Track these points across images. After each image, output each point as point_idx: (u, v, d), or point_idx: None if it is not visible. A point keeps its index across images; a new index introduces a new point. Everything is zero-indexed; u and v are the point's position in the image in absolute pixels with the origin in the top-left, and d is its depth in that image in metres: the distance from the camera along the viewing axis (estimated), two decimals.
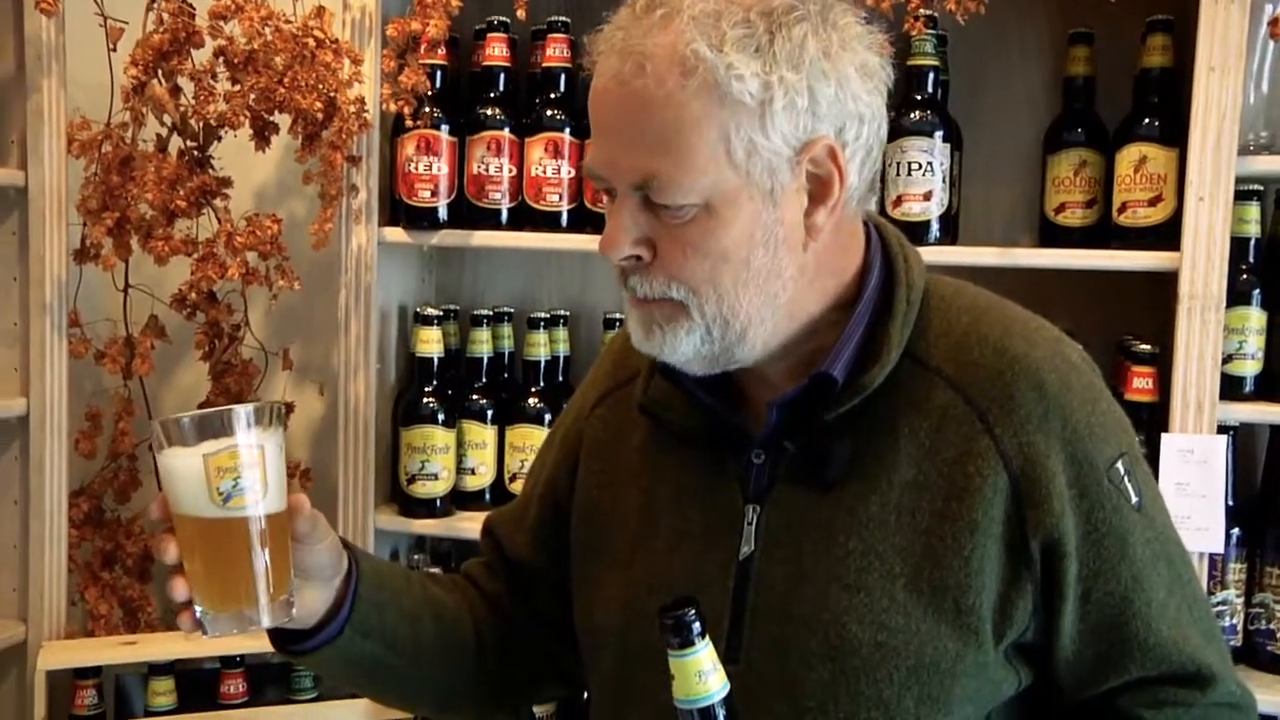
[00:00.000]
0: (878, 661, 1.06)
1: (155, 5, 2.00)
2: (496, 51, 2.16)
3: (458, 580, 1.37)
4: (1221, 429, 1.85)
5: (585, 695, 1.31)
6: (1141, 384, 1.90)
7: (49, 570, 2.11)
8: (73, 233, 2.11)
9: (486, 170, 2.15)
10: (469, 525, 2.15)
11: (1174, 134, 1.88)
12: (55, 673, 2.01)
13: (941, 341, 1.11)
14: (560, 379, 2.23)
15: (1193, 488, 1.82)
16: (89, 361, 2.17)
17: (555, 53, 2.13)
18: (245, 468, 1.03)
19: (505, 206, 2.16)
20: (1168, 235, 1.88)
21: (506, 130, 2.14)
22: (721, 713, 1.00)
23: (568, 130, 2.12)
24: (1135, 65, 1.97)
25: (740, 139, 1.00)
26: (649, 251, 1.05)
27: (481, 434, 2.21)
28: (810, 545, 1.09)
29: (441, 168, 2.15)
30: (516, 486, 2.16)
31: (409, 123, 2.09)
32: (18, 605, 2.12)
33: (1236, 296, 1.86)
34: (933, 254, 1.82)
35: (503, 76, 2.17)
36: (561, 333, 2.24)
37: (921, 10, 1.91)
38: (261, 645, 1.21)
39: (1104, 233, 1.97)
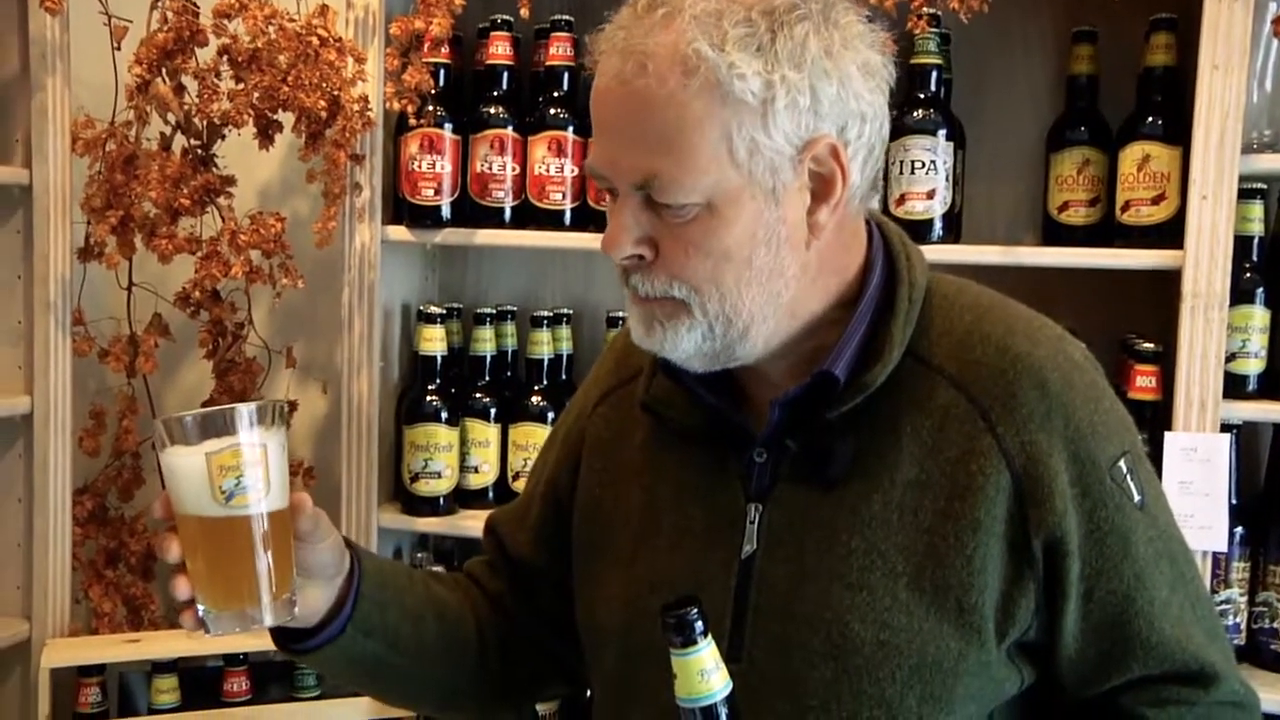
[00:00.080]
0: (880, 660, 1.06)
1: (159, 4, 2.00)
2: (500, 50, 2.16)
3: (460, 579, 1.37)
4: (1225, 427, 1.84)
5: (588, 694, 1.32)
6: (1145, 382, 1.90)
7: (53, 568, 2.11)
8: (77, 231, 2.11)
9: (490, 169, 2.15)
10: (472, 523, 2.16)
11: (1177, 132, 1.88)
12: (59, 670, 2.01)
13: (944, 340, 1.11)
14: (563, 377, 2.23)
15: (1196, 486, 1.82)
16: (93, 360, 2.17)
17: (558, 51, 2.13)
18: (248, 466, 1.03)
19: (508, 205, 2.16)
20: (1171, 234, 1.87)
21: (510, 129, 2.15)
22: (724, 711, 1.00)
23: (571, 129, 2.12)
24: (1138, 64, 1.97)
25: (742, 138, 1.00)
26: (651, 251, 1.06)
27: (484, 432, 2.21)
28: (812, 544, 1.09)
29: (445, 166, 2.15)
30: (519, 485, 2.16)
31: (412, 121, 2.09)
32: (22, 603, 2.13)
33: (1240, 295, 1.86)
34: (936, 252, 1.82)
35: (506, 75, 2.17)
36: (564, 331, 2.24)
37: (925, 9, 1.91)
38: (265, 644, 1.21)
39: (1107, 231, 1.96)
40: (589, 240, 2.08)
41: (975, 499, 1.05)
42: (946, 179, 1.97)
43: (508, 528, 1.36)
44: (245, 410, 1.04)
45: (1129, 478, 1.08)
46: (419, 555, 2.27)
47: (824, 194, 1.06)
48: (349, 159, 2.02)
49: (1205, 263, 1.81)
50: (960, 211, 2.02)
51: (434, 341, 2.17)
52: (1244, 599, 1.91)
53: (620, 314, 2.17)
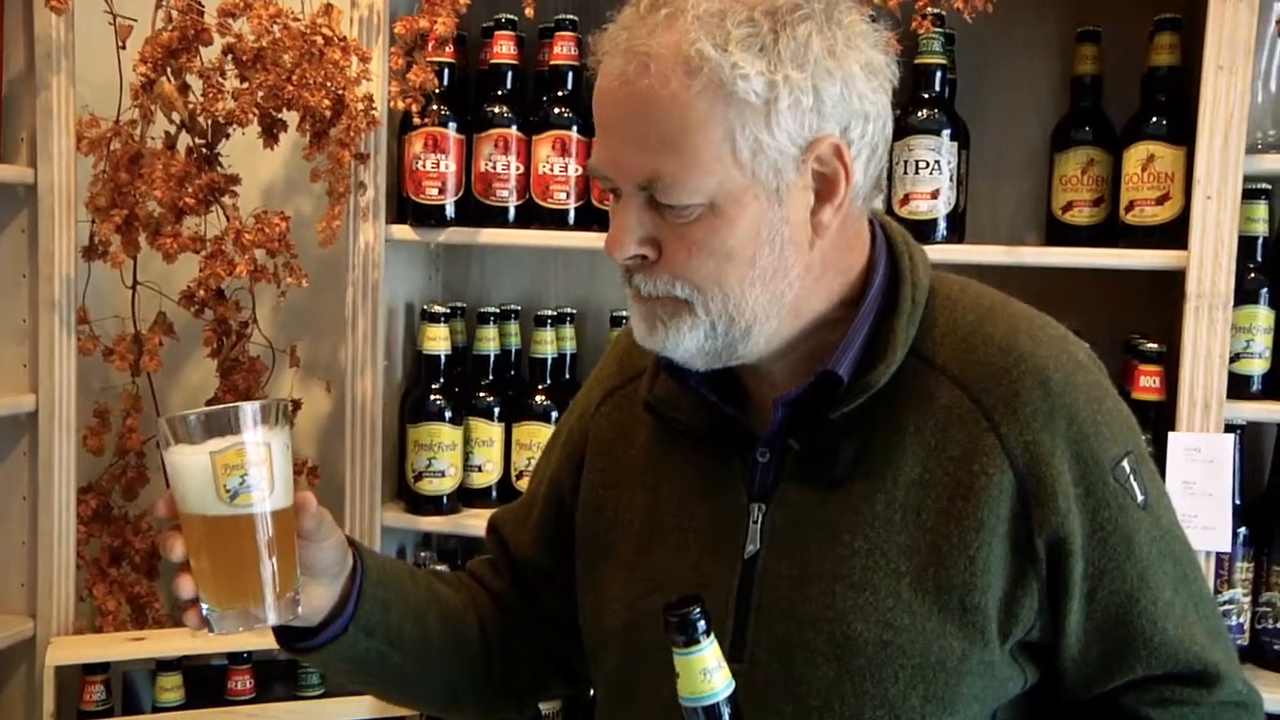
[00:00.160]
0: (883, 660, 1.06)
1: (164, 3, 2.00)
2: (504, 49, 2.17)
3: (463, 578, 1.37)
4: (1229, 428, 1.84)
5: (590, 693, 1.32)
6: (1148, 383, 1.90)
7: (57, 566, 2.11)
8: (81, 230, 2.11)
9: (494, 168, 2.15)
10: (475, 522, 2.16)
11: (1181, 133, 1.88)
12: (64, 668, 2.01)
13: (947, 340, 1.11)
14: (567, 376, 2.23)
15: (1200, 486, 1.82)
16: (97, 358, 2.17)
17: (563, 50, 2.13)
18: (252, 465, 1.03)
19: (512, 204, 2.16)
20: (1175, 234, 1.87)
21: (514, 128, 2.15)
22: (726, 711, 1.00)
23: (575, 128, 2.12)
24: (1143, 64, 1.97)
25: (745, 138, 1.00)
26: (654, 251, 1.06)
27: (488, 431, 2.21)
28: (815, 544, 1.09)
29: (449, 165, 2.15)
30: (523, 484, 2.15)
31: (416, 120, 2.10)
32: (27, 601, 2.13)
33: (1244, 295, 1.86)
34: (940, 252, 1.83)
35: (510, 74, 2.17)
36: (568, 330, 2.24)
37: (929, 9, 1.91)
38: (268, 642, 1.21)
39: (1111, 231, 1.96)
40: (593, 239, 2.08)
41: (978, 499, 1.05)
42: (950, 179, 1.97)
43: (510, 527, 1.36)
44: (249, 409, 1.04)
45: (1132, 478, 1.08)
46: (422, 554, 2.27)
47: (827, 194, 1.06)
48: (353, 158, 2.02)
49: (1209, 263, 1.81)
50: (964, 211, 2.02)
51: (438, 340, 2.18)
52: (1247, 599, 1.91)
53: (624, 313, 2.17)
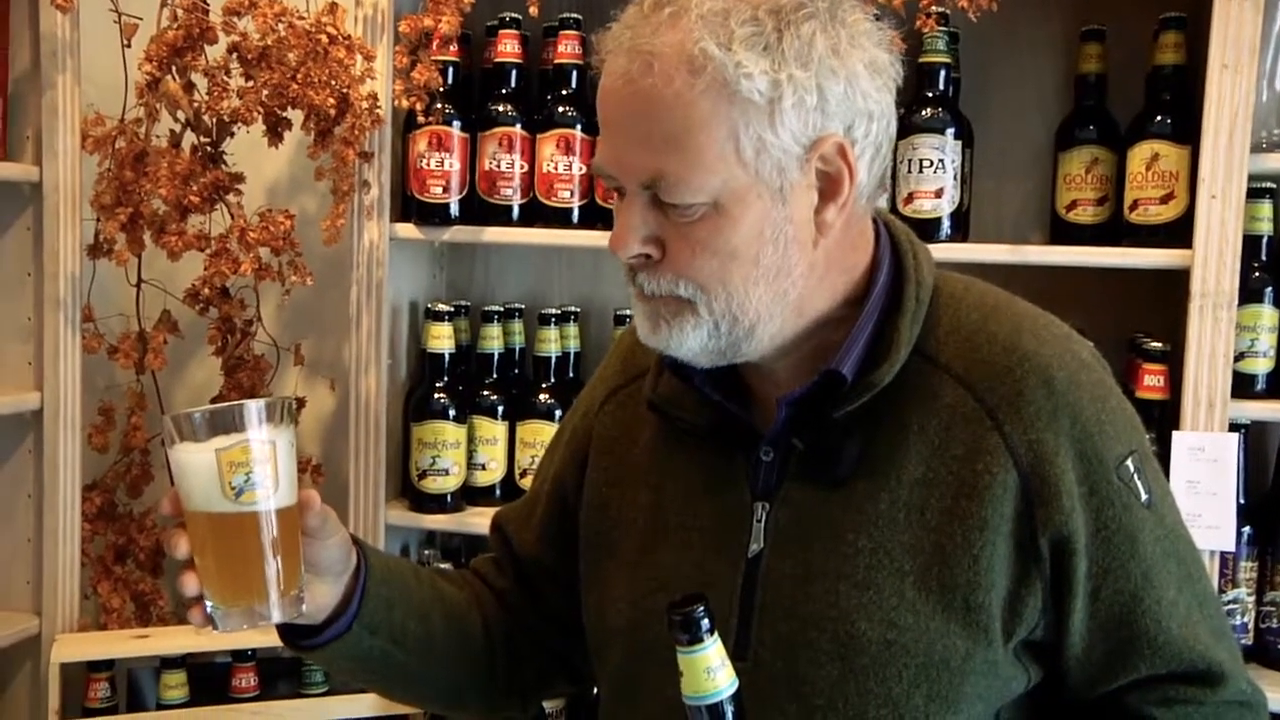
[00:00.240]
0: (887, 660, 1.06)
1: (169, 2, 2.01)
2: (508, 48, 2.17)
3: (466, 576, 1.37)
4: (1233, 427, 1.84)
5: (594, 691, 1.32)
6: (1153, 381, 1.89)
7: (62, 564, 2.12)
8: (86, 228, 2.12)
9: (498, 166, 2.15)
10: (479, 521, 2.16)
11: (1186, 131, 1.88)
12: (69, 665, 2.02)
13: (951, 339, 1.11)
14: (571, 375, 2.23)
15: (1204, 486, 1.82)
16: (102, 356, 2.18)
17: (567, 49, 2.13)
18: (257, 463, 1.03)
19: (516, 203, 2.16)
20: (1179, 233, 1.87)
21: (518, 127, 2.15)
22: (730, 710, 1.00)
23: (579, 127, 2.12)
24: (1147, 63, 1.97)
25: (749, 137, 1.00)
26: (658, 250, 1.06)
27: (492, 430, 2.21)
28: (819, 543, 1.09)
29: (453, 164, 2.15)
30: (527, 482, 2.16)
31: (421, 119, 2.10)
32: (32, 598, 2.13)
33: (1248, 294, 1.86)
34: (944, 251, 1.83)
35: (514, 73, 2.18)
36: (572, 329, 2.24)
37: (933, 7, 1.91)
38: (272, 640, 1.21)
39: (1115, 230, 1.96)
40: (597, 238, 2.08)
41: (982, 498, 1.05)
42: (954, 178, 1.97)
43: (514, 525, 1.36)
44: (254, 407, 1.04)
45: (1136, 477, 1.08)
46: (426, 552, 2.27)
47: (831, 193, 1.06)
48: (357, 157, 2.02)
49: (1214, 262, 1.81)
50: (968, 210, 2.02)
51: (442, 339, 2.18)
52: (1251, 599, 1.91)
53: (628, 312, 2.17)
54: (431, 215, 2.16)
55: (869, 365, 1.09)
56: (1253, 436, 1.94)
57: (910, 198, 1.97)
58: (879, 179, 1.10)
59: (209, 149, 2.06)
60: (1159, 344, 1.91)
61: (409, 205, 2.18)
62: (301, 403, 2.30)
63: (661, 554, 1.17)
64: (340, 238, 2.04)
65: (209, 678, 2.09)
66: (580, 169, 2.13)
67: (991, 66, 2.13)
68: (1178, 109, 1.91)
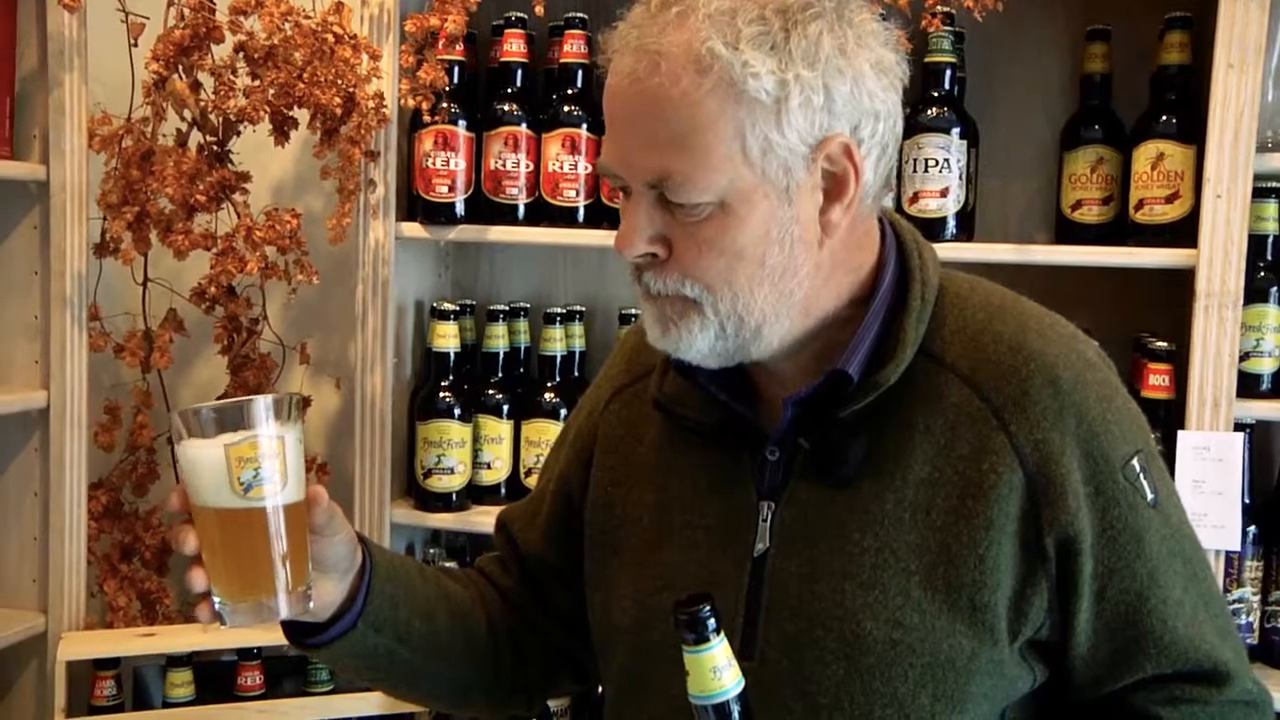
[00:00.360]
0: (892, 659, 1.06)
1: (176, 1, 2.01)
2: (514, 47, 2.17)
3: (471, 575, 1.37)
4: (1238, 426, 1.84)
5: (599, 690, 1.32)
6: (1158, 381, 1.89)
7: (68, 562, 2.12)
8: (93, 227, 2.12)
9: (503, 166, 2.15)
10: (484, 519, 2.16)
11: (1191, 131, 1.88)
12: (75, 663, 2.02)
13: (956, 338, 1.11)
14: (576, 374, 2.24)
15: (1209, 485, 1.82)
16: (108, 355, 2.18)
17: (572, 49, 2.14)
18: (265, 458, 1.03)
19: (522, 202, 2.16)
20: (1185, 232, 1.87)
21: (524, 126, 2.15)
22: (736, 709, 1.00)
23: (585, 126, 2.13)
24: (1153, 62, 1.97)
25: (756, 137, 1.00)
26: (664, 249, 1.06)
27: (497, 428, 2.21)
28: (825, 542, 1.09)
29: (459, 163, 2.15)
30: (532, 481, 2.16)
31: (427, 118, 2.10)
32: (38, 596, 2.14)
33: (1254, 294, 1.85)
34: (949, 251, 1.82)
35: (520, 72, 2.18)
36: (577, 328, 2.25)
37: (939, 7, 1.91)
38: (278, 638, 1.21)
39: (1120, 230, 1.96)
40: (602, 237, 2.08)
41: (988, 497, 1.05)
42: (960, 177, 1.97)
43: (519, 524, 1.36)
44: (262, 402, 1.04)
45: (1142, 476, 1.08)
46: (431, 551, 2.27)
47: (837, 193, 1.06)
48: (363, 156, 2.03)
49: (1219, 261, 1.81)
50: (973, 210, 2.02)
51: (447, 338, 2.18)
52: (1257, 598, 1.91)
53: (633, 311, 2.17)
54: (437, 214, 2.17)
55: (875, 365, 1.09)
56: (1258, 436, 1.94)
57: (915, 197, 1.97)
58: (885, 179, 1.10)
59: (215, 148, 2.06)
60: (1164, 343, 1.91)
61: (415, 204, 2.18)
62: (307, 401, 2.30)
63: (667, 553, 1.17)
64: (346, 237, 2.04)
65: (215, 676, 2.09)
66: (586, 168, 2.13)
67: (997, 66, 2.13)
68: (1183, 109, 1.91)
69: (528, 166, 2.15)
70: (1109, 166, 1.97)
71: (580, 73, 2.14)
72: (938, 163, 1.95)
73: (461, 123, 2.15)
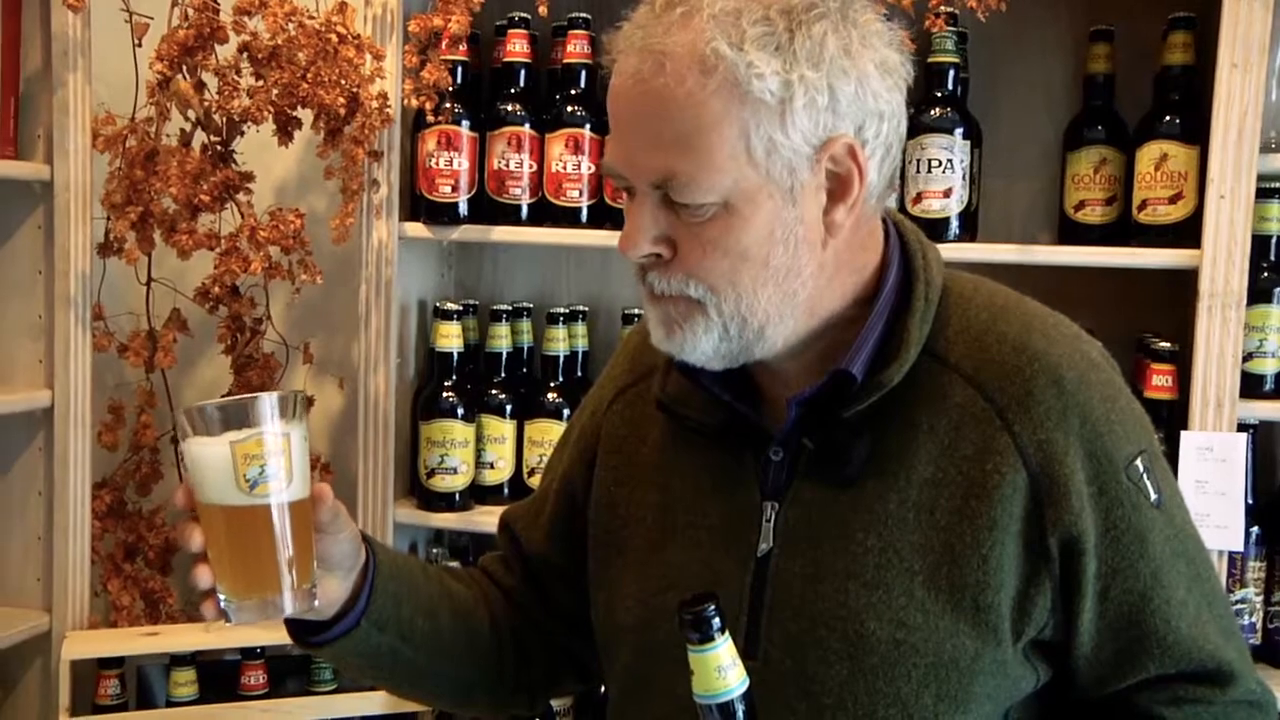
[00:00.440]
0: (896, 659, 1.06)
1: (180, 1, 2.01)
2: (517, 47, 2.17)
3: (474, 574, 1.38)
4: (1241, 427, 1.84)
5: (602, 690, 1.32)
6: (1161, 381, 1.89)
7: (72, 561, 2.12)
8: (97, 227, 2.12)
9: (507, 166, 2.15)
10: (487, 519, 2.16)
11: (1195, 131, 1.88)
12: (79, 662, 2.02)
13: (960, 338, 1.11)
14: (579, 374, 2.24)
15: (1212, 485, 1.82)
16: (112, 354, 2.18)
17: (576, 49, 2.14)
18: (271, 455, 1.04)
19: (525, 202, 2.16)
20: (1188, 233, 1.87)
21: (527, 126, 2.15)
22: (741, 708, 1.00)
23: (588, 126, 2.13)
24: (1156, 62, 1.97)
25: (760, 137, 1.01)
26: (669, 249, 1.06)
27: (500, 428, 2.22)
28: (828, 542, 1.09)
29: (462, 163, 2.16)
30: (534, 481, 2.16)
31: (430, 118, 2.10)
32: (42, 595, 2.14)
33: (1257, 294, 1.86)
34: (952, 251, 1.83)
35: (523, 72, 2.18)
36: (580, 328, 2.25)
37: (942, 7, 1.91)
38: (282, 637, 1.21)
39: (1124, 230, 1.96)
40: (605, 237, 2.08)
41: (991, 498, 1.05)
42: (963, 177, 1.97)
43: (522, 524, 1.36)
44: (268, 400, 1.04)
45: (1145, 476, 1.09)
46: (434, 551, 2.28)
47: (841, 193, 1.06)
48: (367, 156, 2.03)
49: (1222, 262, 1.81)
50: (976, 210, 2.02)
51: (450, 338, 2.18)
52: (1260, 598, 1.91)
53: (636, 311, 2.18)
54: (440, 214, 2.17)
55: (879, 365, 1.09)
56: (1261, 436, 1.94)
57: (919, 198, 1.97)
58: (889, 179, 1.10)
59: (219, 148, 2.06)
60: (1167, 344, 1.91)
61: (418, 204, 2.19)
62: (310, 401, 2.30)
63: (670, 553, 1.18)
64: (349, 237, 2.04)
65: (218, 675, 2.09)
66: (589, 168, 2.13)
67: (1000, 66, 2.13)
68: (1186, 109, 1.91)
69: (531, 167, 2.16)
70: (1112, 167, 1.97)
71: (584, 73, 2.14)
72: (941, 163, 1.96)
73: (465, 123, 2.16)
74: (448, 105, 2.11)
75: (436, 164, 2.15)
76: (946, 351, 1.10)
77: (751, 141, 1.01)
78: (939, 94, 1.98)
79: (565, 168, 2.13)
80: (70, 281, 2.08)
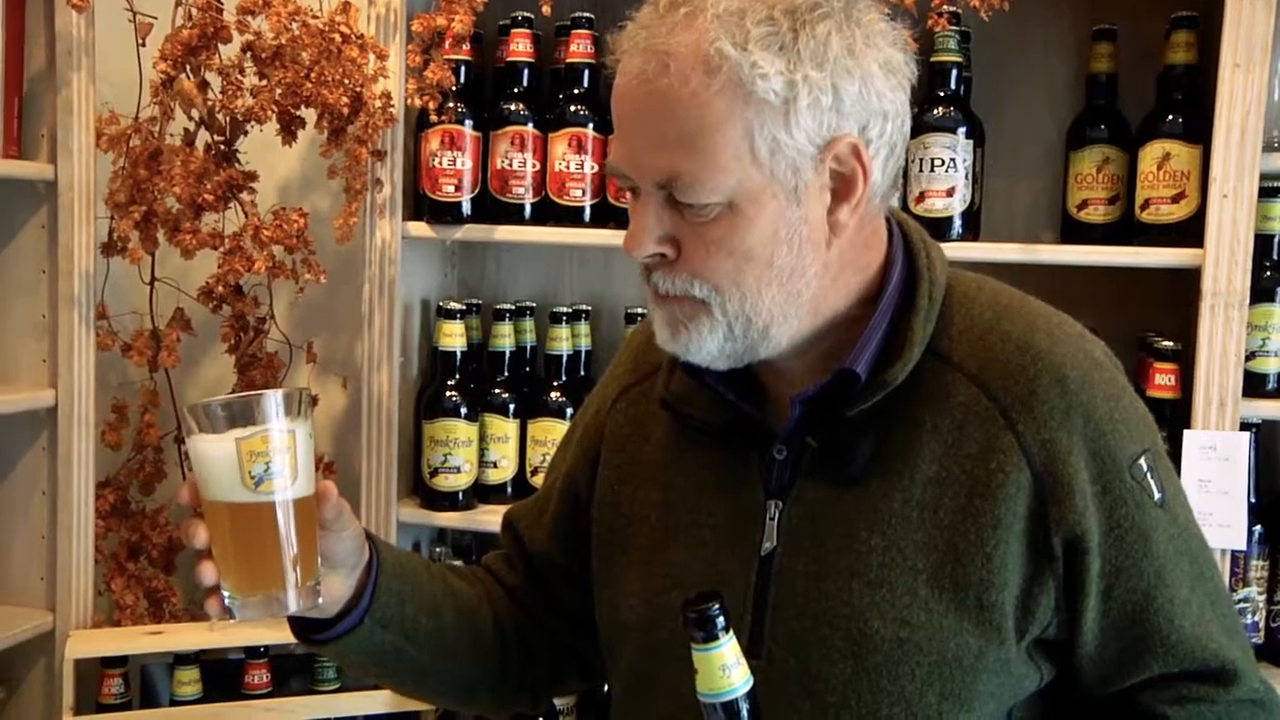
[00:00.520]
0: (899, 658, 1.06)
1: (184, 1, 2.01)
2: (520, 47, 2.17)
3: (478, 572, 1.38)
4: (1244, 426, 1.84)
5: (605, 688, 1.32)
6: (1164, 380, 1.89)
7: (76, 560, 2.13)
8: (101, 226, 2.12)
9: (510, 165, 2.16)
10: (490, 518, 2.17)
11: (1197, 131, 1.88)
12: (82, 661, 2.03)
13: (964, 337, 1.11)
14: (582, 373, 2.24)
15: (1215, 484, 1.82)
16: (116, 354, 2.19)
17: (579, 48, 2.14)
18: (276, 452, 1.04)
19: (528, 201, 2.17)
20: (1191, 232, 1.87)
21: (530, 125, 2.16)
22: (745, 707, 1.00)
23: (591, 126, 2.13)
24: (1159, 62, 1.97)
25: (764, 138, 1.01)
26: (673, 249, 1.06)
27: (503, 428, 2.22)
28: (832, 541, 1.10)
29: (465, 163, 2.16)
30: (538, 480, 2.17)
31: (433, 118, 2.10)
32: (46, 595, 2.14)
33: (1260, 293, 1.86)
34: (955, 250, 1.83)
35: (526, 72, 2.18)
36: (583, 327, 2.25)
37: (945, 7, 1.91)
38: (285, 636, 1.22)
39: (1126, 229, 1.96)
40: (608, 237, 2.09)
41: (995, 497, 1.05)
42: (966, 177, 1.97)
43: (526, 523, 1.36)
44: (273, 397, 1.05)
45: (1149, 475, 1.09)
46: (437, 550, 2.28)
47: (845, 193, 1.06)
48: (370, 155, 2.03)
49: (1225, 261, 1.81)
50: (979, 209, 2.02)
51: (453, 337, 2.18)
52: (1262, 597, 1.91)
53: (639, 310, 2.18)
54: (444, 214, 2.17)
55: (882, 364, 1.09)
56: (1263, 435, 1.94)
57: (922, 197, 1.97)
58: (893, 179, 1.10)
59: (223, 147, 2.07)
60: (1170, 343, 1.91)
61: (421, 204, 2.19)
62: (314, 400, 2.30)
63: (674, 551, 1.18)
64: (353, 236, 2.04)
65: (222, 674, 2.09)
66: (592, 168, 2.13)
67: (1003, 66, 2.13)
68: (1189, 108, 1.91)
69: (534, 166, 2.16)
70: (1115, 166, 1.97)
71: (587, 72, 2.14)
72: (944, 162, 1.96)
73: (468, 122, 2.16)
74: (451, 105, 2.12)
75: (440, 163, 2.15)
76: (950, 350, 1.10)
77: (756, 142, 1.01)
78: (942, 93, 1.98)
79: (568, 167, 2.13)
80: (74, 281, 2.08)
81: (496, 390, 2.22)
